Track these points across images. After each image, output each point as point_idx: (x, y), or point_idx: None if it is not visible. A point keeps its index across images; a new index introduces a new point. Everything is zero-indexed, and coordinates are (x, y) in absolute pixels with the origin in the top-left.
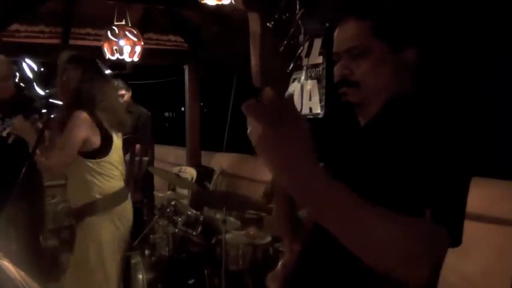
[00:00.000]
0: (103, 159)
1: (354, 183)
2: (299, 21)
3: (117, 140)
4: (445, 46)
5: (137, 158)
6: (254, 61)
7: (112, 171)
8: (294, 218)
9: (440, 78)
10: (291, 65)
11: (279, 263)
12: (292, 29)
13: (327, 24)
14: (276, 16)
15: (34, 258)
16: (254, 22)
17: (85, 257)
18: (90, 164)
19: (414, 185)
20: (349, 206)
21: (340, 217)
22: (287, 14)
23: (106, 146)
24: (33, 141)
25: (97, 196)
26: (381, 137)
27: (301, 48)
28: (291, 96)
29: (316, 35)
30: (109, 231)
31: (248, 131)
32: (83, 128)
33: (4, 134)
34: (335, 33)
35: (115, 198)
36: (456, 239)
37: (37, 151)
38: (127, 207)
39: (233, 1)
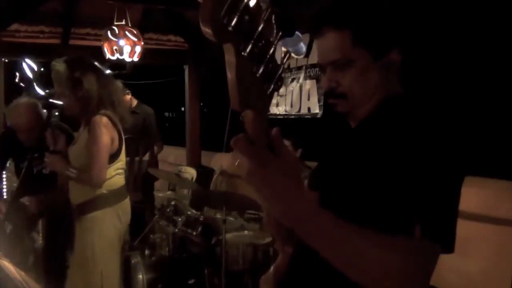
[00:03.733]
0: (116, 160)
1: (343, 189)
2: (278, 44)
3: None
4: (430, 45)
5: (137, 158)
6: (231, 86)
7: (120, 168)
8: None
9: (427, 78)
10: (272, 86)
11: (272, 266)
12: (270, 53)
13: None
14: (250, 46)
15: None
16: (228, 52)
17: (88, 250)
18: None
19: (402, 198)
20: (336, 234)
21: (327, 244)
22: (263, 41)
23: (121, 146)
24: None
25: (104, 191)
26: (370, 142)
27: (281, 68)
28: (278, 129)
29: (296, 53)
30: (112, 225)
31: (236, 163)
32: (108, 132)
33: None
34: (317, 45)
35: (119, 194)
36: (448, 249)
37: (71, 173)
38: (127, 203)
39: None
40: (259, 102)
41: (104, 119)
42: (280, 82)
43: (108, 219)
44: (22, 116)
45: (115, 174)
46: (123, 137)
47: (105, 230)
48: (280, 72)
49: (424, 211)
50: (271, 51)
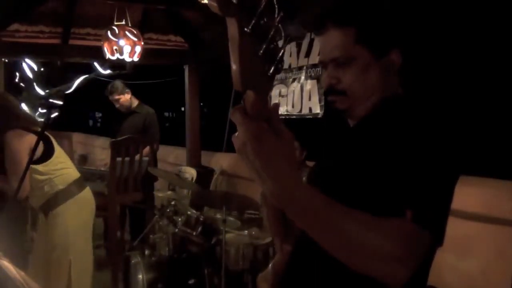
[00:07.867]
0: (52, 157)
1: (340, 183)
2: (279, 25)
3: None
4: (430, 47)
5: (137, 158)
6: (233, 65)
7: (65, 163)
8: (285, 219)
9: (425, 78)
10: (272, 68)
11: (270, 264)
12: (272, 33)
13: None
14: (253, 21)
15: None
16: (232, 27)
17: (57, 245)
18: (42, 169)
19: (396, 185)
20: (326, 213)
21: (317, 225)
22: (265, 19)
23: (48, 145)
24: None
25: (60, 187)
26: (367, 139)
27: (282, 51)
28: (277, 105)
29: (296, 38)
30: (75, 217)
31: (235, 135)
32: (23, 142)
33: None
34: (319, 42)
35: (76, 186)
36: (438, 239)
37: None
38: (88, 195)
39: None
40: (260, 83)
41: (11, 134)
42: (280, 65)
43: (70, 211)
44: None
45: (61, 169)
46: (48, 136)
47: (67, 222)
48: (281, 54)
49: (417, 198)
50: (272, 31)
